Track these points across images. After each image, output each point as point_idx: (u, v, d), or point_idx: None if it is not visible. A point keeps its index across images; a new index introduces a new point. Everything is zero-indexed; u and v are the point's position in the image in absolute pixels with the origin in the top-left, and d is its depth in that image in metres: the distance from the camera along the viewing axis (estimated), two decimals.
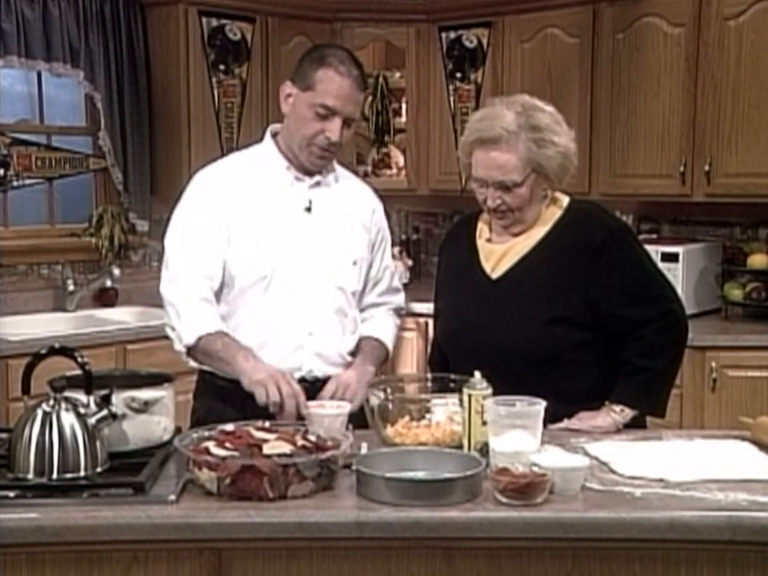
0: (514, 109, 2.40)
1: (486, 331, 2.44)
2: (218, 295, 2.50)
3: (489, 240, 2.54)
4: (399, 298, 2.79)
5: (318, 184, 2.56)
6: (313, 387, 2.46)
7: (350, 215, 2.61)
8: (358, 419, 2.30)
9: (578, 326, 2.40)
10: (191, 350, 2.44)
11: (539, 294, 2.42)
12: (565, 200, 2.52)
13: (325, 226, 2.55)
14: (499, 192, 2.41)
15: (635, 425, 2.42)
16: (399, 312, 2.79)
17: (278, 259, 2.48)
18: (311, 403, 2.22)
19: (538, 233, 2.47)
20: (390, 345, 2.68)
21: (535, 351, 2.38)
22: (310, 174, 2.54)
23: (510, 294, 2.45)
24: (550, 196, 2.48)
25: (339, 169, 2.66)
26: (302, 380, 2.43)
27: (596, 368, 2.43)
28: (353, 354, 2.59)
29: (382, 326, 2.68)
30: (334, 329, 2.54)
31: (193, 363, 2.53)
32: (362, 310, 2.66)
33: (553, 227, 2.47)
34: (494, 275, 2.49)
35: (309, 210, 2.53)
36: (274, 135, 2.59)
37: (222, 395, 2.50)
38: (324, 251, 2.53)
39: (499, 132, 2.37)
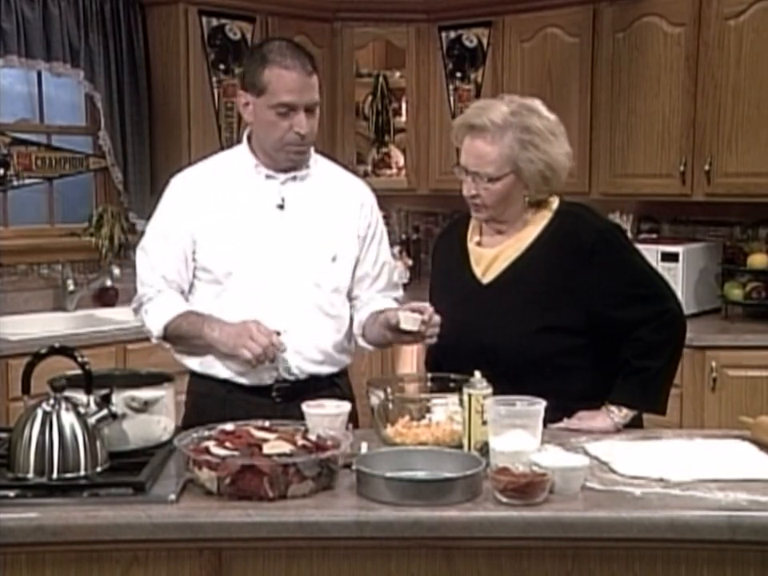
0: (511, 106, 2.39)
1: (477, 337, 2.41)
2: (191, 296, 2.55)
3: (479, 243, 2.52)
4: (398, 294, 2.75)
5: (294, 179, 2.54)
6: (294, 386, 2.48)
7: (330, 210, 2.56)
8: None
9: (570, 333, 2.38)
10: (167, 341, 2.52)
11: (530, 301, 2.40)
12: (555, 202, 2.48)
13: (299, 223, 2.52)
14: (475, 183, 2.40)
15: (632, 425, 2.41)
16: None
17: (247, 256, 2.48)
18: (311, 403, 2.22)
19: (528, 236, 2.45)
20: None
21: (525, 358, 2.36)
22: (285, 170, 2.53)
23: (501, 300, 2.43)
24: (527, 203, 2.43)
25: (322, 162, 2.62)
26: (282, 380, 2.48)
27: (587, 372, 2.41)
28: (346, 350, 2.60)
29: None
30: (312, 326, 2.51)
31: (184, 359, 2.55)
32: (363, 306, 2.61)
33: (542, 231, 2.44)
34: (485, 280, 2.47)
35: (281, 207, 2.52)
36: (249, 136, 2.58)
37: (204, 394, 2.53)
38: (299, 248, 2.51)
39: (484, 122, 2.36)
